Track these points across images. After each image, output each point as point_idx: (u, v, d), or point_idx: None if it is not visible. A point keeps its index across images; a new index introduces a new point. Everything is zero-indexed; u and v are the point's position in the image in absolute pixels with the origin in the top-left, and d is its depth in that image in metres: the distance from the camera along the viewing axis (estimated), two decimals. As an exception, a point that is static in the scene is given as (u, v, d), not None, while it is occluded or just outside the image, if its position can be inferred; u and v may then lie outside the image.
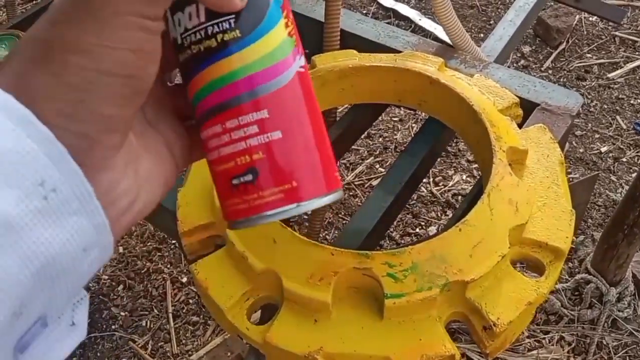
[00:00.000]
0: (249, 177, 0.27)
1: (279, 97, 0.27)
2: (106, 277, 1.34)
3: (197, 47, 0.27)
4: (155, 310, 1.28)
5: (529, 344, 1.20)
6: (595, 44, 1.87)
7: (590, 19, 1.94)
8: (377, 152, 1.60)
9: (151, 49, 0.24)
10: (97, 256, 0.23)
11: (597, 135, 1.62)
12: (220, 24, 0.26)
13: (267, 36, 0.27)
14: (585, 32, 1.91)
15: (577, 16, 1.92)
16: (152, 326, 1.26)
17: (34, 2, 1.95)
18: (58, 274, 0.22)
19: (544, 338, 1.21)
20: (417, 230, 1.43)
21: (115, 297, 1.31)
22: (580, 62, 1.81)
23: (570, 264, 1.31)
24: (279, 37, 0.28)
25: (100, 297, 1.31)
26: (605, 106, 1.69)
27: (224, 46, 0.27)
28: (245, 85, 0.27)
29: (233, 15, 0.26)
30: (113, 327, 1.26)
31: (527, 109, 0.73)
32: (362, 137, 1.61)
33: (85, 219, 0.22)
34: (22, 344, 0.23)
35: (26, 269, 0.20)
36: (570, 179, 1.50)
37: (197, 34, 0.27)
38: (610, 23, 1.89)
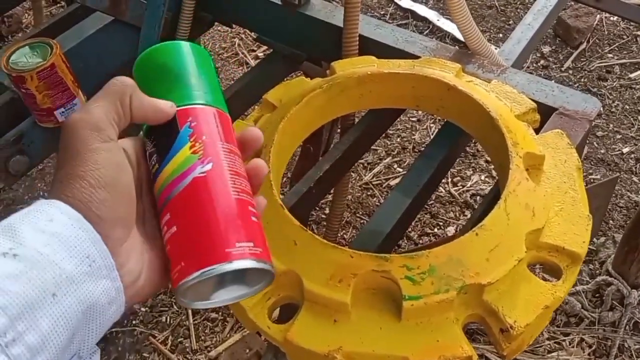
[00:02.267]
0: (169, 263, 0.38)
1: (177, 201, 0.38)
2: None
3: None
4: (175, 307, 1.31)
5: (549, 345, 1.20)
6: (617, 44, 1.85)
7: (612, 18, 1.92)
8: (395, 152, 1.61)
9: (115, 162, 0.36)
10: (116, 310, 0.35)
11: (618, 136, 1.61)
12: (151, 163, 0.39)
13: (170, 163, 0.38)
14: (606, 32, 1.89)
15: (598, 16, 1.90)
16: (172, 322, 1.29)
17: (59, 5, 1.99)
18: (94, 317, 0.33)
19: (564, 340, 1.21)
20: (436, 230, 1.44)
21: (137, 293, 1.34)
22: (601, 62, 1.80)
23: (591, 266, 1.31)
24: (180, 159, 0.38)
25: (123, 293, 1.34)
26: (627, 107, 1.68)
27: (155, 175, 0.39)
28: (162, 197, 0.38)
29: (155, 154, 0.39)
30: (134, 322, 1.29)
31: (545, 113, 0.74)
32: (380, 137, 1.62)
33: (110, 282, 0.34)
34: None
35: (79, 307, 0.32)
36: (592, 180, 1.49)
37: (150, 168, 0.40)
38: (632, 23, 1.87)
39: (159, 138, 0.39)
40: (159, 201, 0.38)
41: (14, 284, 0.30)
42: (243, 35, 1.96)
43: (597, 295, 1.26)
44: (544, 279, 0.55)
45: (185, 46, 0.43)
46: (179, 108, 0.40)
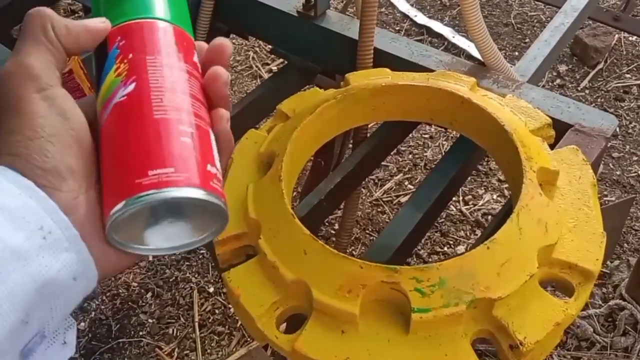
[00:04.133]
0: None
1: (106, 128, 0.34)
2: (135, 284, 1.38)
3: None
4: (182, 319, 1.31)
5: (559, 369, 1.18)
6: (635, 64, 1.84)
7: (630, 38, 1.91)
8: (407, 169, 1.60)
9: (57, 111, 0.32)
10: (86, 285, 0.31)
11: (635, 158, 1.60)
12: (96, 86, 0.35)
13: (102, 87, 0.35)
14: (624, 52, 1.88)
15: (617, 35, 1.89)
16: (178, 334, 1.29)
17: (77, 15, 2.03)
18: (54, 294, 0.29)
19: (574, 364, 1.19)
20: (445, 249, 1.43)
21: (143, 304, 1.34)
22: (618, 83, 1.79)
23: (604, 290, 1.29)
24: (107, 83, 0.35)
25: (130, 303, 1.34)
26: (644, 128, 1.67)
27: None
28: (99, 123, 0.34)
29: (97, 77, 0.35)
30: (141, 333, 1.29)
31: (560, 130, 0.73)
32: (392, 153, 1.62)
33: (75, 255, 0.30)
34: (25, 352, 0.30)
35: (31, 285, 0.28)
36: (606, 202, 1.47)
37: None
38: (650, 44, 1.86)
39: (95, 66, 0.35)
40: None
41: None
42: (257, 49, 1.98)
43: (609, 319, 1.23)
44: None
45: None
46: (112, 27, 0.36)
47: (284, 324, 0.64)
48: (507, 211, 0.70)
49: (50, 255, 0.29)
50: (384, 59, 0.86)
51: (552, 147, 0.69)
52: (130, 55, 0.34)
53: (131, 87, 0.33)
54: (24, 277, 0.28)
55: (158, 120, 0.32)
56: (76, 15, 2.03)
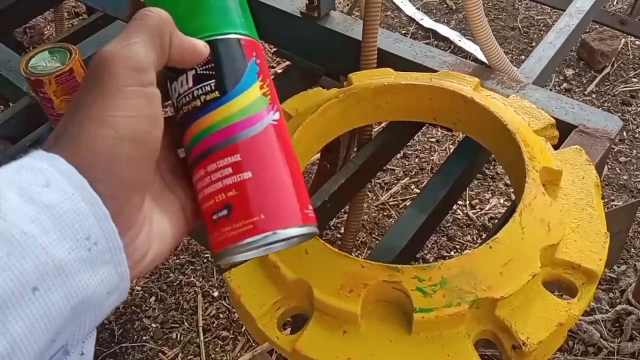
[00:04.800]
0: (225, 212, 0.32)
1: (251, 143, 0.32)
2: (139, 288, 1.37)
3: (186, 107, 0.33)
4: (186, 323, 1.30)
5: (565, 374, 1.17)
6: (642, 69, 1.83)
7: (637, 42, 1.90)
8: (413, 173, 1.60)
9: (151, 113, 0.30)
10: (116, 299, 0.29)
11: (642, 162, 1.58)
12: (202, 87, 0.33)
13: (240, 96, 0.33)
14: (631, 56, 1.87)
15: (623, 40, 1.88)
16: (182, 339, 1.28)
17: (81, 17, 2.04)
18: (86, 311, 0.27)
19: (581, 369, 1.17)
20: (452, 253, 1.42)
21: (147, 308, 1.33)
22: (625, 87, 1.78)
23: (611, 294, 1.27)
24: (252, 96, 0.33)
25: (133, 307, 1.33)
26: (651, 132, 1.65)
27: (206, 105, 0.33)
28: (221, 135, 0.32)
29: (213, 80, 0.33)
30: (144, 337, 1.28)
31: (564, 130, 0.73)
32: (398, 157, 1.61)
33: (113, 268, 0.28)
34: None
35: (68, 304, 0.26)
36: (613, 207, 1.46)
37: (186, 97, 0.33)
38: (657, 48, 1.85)
39: (218, 64, 0.33)
40: (215, 136, 0.32)
41: None
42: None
43: (616, 324, 1.22)
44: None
45: None
46: (243, 37, 0.34)
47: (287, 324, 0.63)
48: (510, 212, 0.70)
49: (90, 269, 0.27)
50: (387, 60, 0.86)
51: (556, 147, 0.68)
52: (268, 80, 0.34)
53: (277, 115, 0.34)
54: (62, 296, 0.25)
55: (294, 158, 0.34)
56: (80, 17, 2.05)
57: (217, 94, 0.33)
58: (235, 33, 0.34)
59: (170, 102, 0.35)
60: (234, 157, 0.32)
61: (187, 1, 0.34)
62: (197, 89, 0.33)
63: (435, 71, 0.81)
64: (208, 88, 0.33)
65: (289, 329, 0.69)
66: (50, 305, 0.25)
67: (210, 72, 0.33)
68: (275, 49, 1.06)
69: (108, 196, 0.27)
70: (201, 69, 0.33)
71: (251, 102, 0.33)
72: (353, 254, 1.27)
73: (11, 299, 0.24)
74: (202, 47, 0.33)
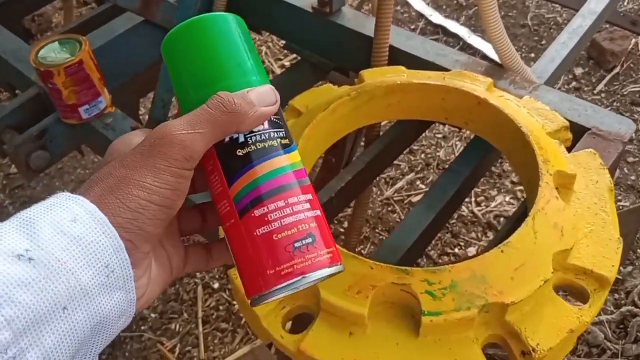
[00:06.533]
0: (309, 240, 0.36)
1: (310, 188, 0.38)
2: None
3: (261, 144, 0.36)
4: (185, 315, 1.30)
5: (569, 376, 1.16)
6: (652, 69, 1.81)
7: (647, 43, 1.88)
8: (419, 169, 1.59)
9: (183, 188, 0.34)
10: (124, 322, 0.33)
11: (650, 163, 1.57)
12: (277, 132, 0.37)
13: (296, 151, 0.38)
14: (641, 57, 1.85)
15: (633, 40, 1.86)
16: (181, 330, 1.27)
17: (89, 6, 2.03)
18: (100, 331, 0.32)
19: (584, 371, 1.17)
20: (456, 250, 1.41)
21: (146, 298, 1.33)
22: (635, 87, 1.76)
23: (617, 296, 1.27)
24: (299, 154, 0.38)
25: (132, 297, 1.33)
26: (660, 133, 1.64)
27: (281, 147, 0.37)
28: (294, 176, 0.37)
29: (283, 130, 0.37)
30: (142, 328, 1.28)
31: (577, 133, 0.72)
32: (404, 152, 1.60)
33: (124, 294, 0.32)
34: None
35: (89, 323, 0.30)
36: (620, 207, 1.45)
37: (261, 136, 0.37)
38: (669, 48, 1.83)
39: (282, 117, 0.38)
40: (263, 186, 0.36)
41: (25, 293, 0.27)
42: (270, 44, 1.97)
43: (621, 326, 1.21)
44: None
45: (232, 19, 0.37)
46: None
47: (289, 323, 0.63)
48: (521, 214, 0.69)
49: (107, 294, 0.31)
50: (399, 57, 0.85)
51: (568, 150, 0.67)
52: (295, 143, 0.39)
53: (307, 182, 0.38)
54: (85, 315, 0.30)
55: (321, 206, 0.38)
56: (88, 6, 2.04)
57: (287, 141, 0.37)
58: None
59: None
60: (308, 196, 0.37)
61: (203, 56, 0.37)
62: (274, 132, 0.37)
63: (447, 70, 0.80)
64: (282, 134, 0.37)
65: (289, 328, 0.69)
66: (76, 323, 0.29)
67: (280, 122, 0.37)
68: (284, 43, 1.06)
69: (125, 238, 0.32)
70: (274, 117, 0.37)
71: (296, 161, 0.38)
72: (356, 249, 1.27)
73: (46, 315, 0.28)
74: (273, 98, 0.37)
